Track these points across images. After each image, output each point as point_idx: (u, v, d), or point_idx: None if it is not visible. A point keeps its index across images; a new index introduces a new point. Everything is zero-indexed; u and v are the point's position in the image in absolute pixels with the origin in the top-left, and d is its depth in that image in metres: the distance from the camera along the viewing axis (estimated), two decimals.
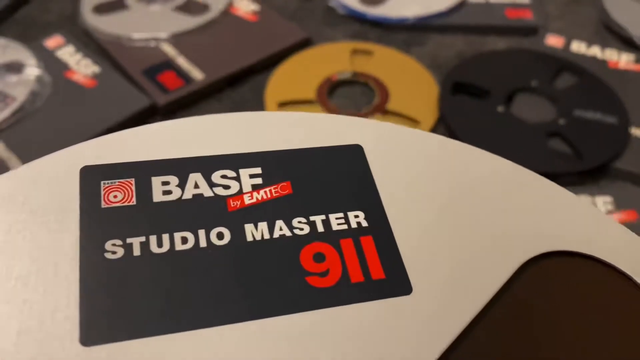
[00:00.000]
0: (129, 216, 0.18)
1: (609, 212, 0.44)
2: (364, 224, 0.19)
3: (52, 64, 0.53)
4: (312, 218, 0.19)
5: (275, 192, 0.20)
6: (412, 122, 0.50)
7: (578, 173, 0.46)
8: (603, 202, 0.45)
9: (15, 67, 0.51)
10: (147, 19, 0.58)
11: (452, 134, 0.49)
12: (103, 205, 0.19)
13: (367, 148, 0.22)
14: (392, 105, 0.51)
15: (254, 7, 0.61)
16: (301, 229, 0.19)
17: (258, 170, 0.20)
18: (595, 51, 0.58)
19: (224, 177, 0.20)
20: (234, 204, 0.19)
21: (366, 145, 0.22)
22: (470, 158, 0.22)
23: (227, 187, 0.20)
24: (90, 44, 0.56)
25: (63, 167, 0.19)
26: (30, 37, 0.57)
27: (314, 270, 0.18)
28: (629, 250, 0.20)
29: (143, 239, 0.18)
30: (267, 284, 0.17)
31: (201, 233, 0.18)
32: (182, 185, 0.20)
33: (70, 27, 0.58)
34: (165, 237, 0.18)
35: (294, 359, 0.16)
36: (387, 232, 0.19)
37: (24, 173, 0.19)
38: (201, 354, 0.16)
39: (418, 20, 0.60)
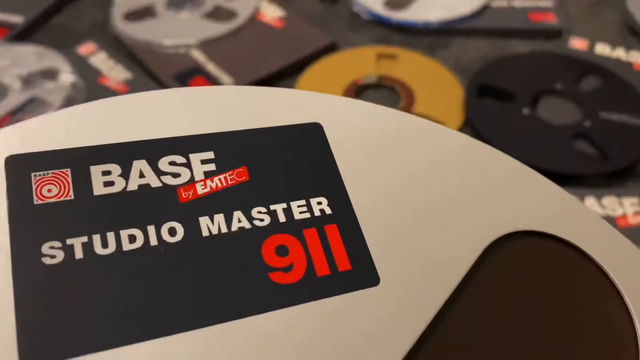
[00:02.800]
0: (67, 213, 0.16)
1: (636, 214, 0.44)
2: (328, 211, 0.18)
3: (85, 71, 0.54)
4: (272, 207, 0.18)
5: (231, 180, 0.18)
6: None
7: (604, 175, 0.47)
8: (630, 203, 0.45)
9: (51, 74, 0.53)
10: (176, 26, 0.59)
11: (478, 136, 0.49)
12: (36, 201, 0.16)
13: (327, 126, 0.20)
14: (417, 108, 0.52)
15: (280, 13, 0.62)
16: (261, 220, 0.17)
17: (210, 155, 0.18)
18: (620, 53, 0.58)
19: (172, 163, 0.18)
20: (185, 194, 0.17)
21: (325, 123, 0.20)
22: (436, 136, 0.20)
23: (176, 175, 0.18)
24: (122, 50, 0.58)
25: None
26: (64, 45, 0.58)
27: (277, 265, 0.16)
28: (593, 232, 0.19)
29: (85, 239, 0.16)
30: (227, 284, 0.16)
31: (151, 229, 0.16)
32: (125, 174, 0.17)
33: (102, 34, 0.60)
34: (111, 236, 0.16)
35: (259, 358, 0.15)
36: (352, 219, 0.18)
37: None
38: None
39: (442, 25, 0.61)
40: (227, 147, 0.19)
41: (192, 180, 0.18)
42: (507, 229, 0.19)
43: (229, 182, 0.18)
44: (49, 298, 0.15)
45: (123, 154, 0.17)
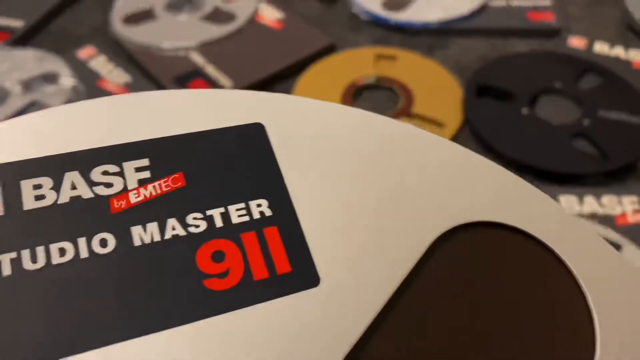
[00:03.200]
0: None
1: (635, 212, 0.44)
2: (268, 213, 0.18)
3: (85, 74, 0.54)
4: (209, 212, 0.17)
5: (166, 186, 0.18)
6: (438, 125, 0.51)
7: (604, 173, 0.47)
8: (629, 201, 0.45)
9: (51, 78, 0.53)
10: (175, 28, 0.59)
11: (477, 136, 0.50)
12: None
13: (269, 126, 0.19)
14: (417, 108, 0.52)
15: (279, 15, 0.62)
16: (197, 226, 0.17)
17: (145, 162, 0.18)
18: (619, 52, 0.58)
19: (105, 173, 0.17)
20: (118, 204, 0.17)
21: (268, 122, 0.19)
22: (380, 130, 0.20)
23: (109, 185, 0.17)
24: (121, 53, 0.58)
25: None
26: (64, 49, 0.59)
27: (212, 271, 0.16)
28: (549, 219, 0.19)
29: (14, 254, 0.15)
30: (160, 293, 0.16)
31: (81, 242, 0.16)
32: (57, 187, 0.17)
33: (101, 38, 0.60)
34: (40, 250, 0.16)
35: None
36: (293, 220, 0.18)
37: None
38: None
39: (440, 25, 0.61)
40: (163, 153, 0.18)
41: (124, 190, 0.17)
42: (455, 221, 0.18)
43: (164, 189, 0.18)
44: None
45: (55, 166, 0.17)
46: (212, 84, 0.53)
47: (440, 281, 0.17)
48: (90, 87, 0.53)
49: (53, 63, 0.55)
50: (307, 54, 0.57)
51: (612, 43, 0.59)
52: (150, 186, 0.17)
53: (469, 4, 0.63)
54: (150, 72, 0.55)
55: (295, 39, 0.59)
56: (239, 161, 0.19)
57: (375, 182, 0.19)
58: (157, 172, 0.18)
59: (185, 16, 0.61)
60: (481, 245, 0.18)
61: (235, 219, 0.17)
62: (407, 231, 0.18)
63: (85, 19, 0.63)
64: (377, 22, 0.63)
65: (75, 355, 0.14)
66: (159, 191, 0.17)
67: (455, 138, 0.50)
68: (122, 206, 0.17)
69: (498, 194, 0.19)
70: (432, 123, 0.51)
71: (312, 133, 0.20)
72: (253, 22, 0.61)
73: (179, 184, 0.18)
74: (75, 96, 0.52)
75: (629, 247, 0.41)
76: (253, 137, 0.19)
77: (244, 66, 0.56)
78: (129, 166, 0.18)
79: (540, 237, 0.18)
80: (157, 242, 0.16)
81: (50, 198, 0.17)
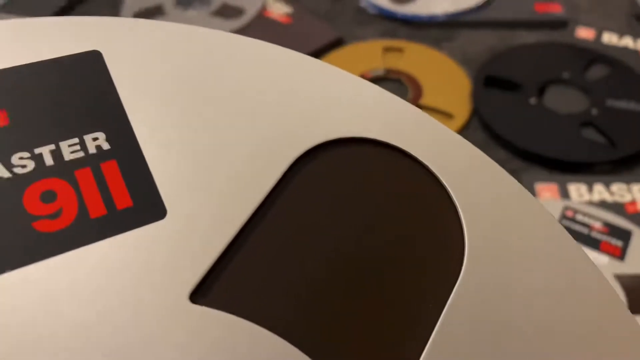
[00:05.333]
0: None
1: None
2: (105, 146, 0.16)
3: None
4: (37, 151, 0.16)
5: None
6: (447, 116, 0.51)
7: (612, 162, 0.47)
8: (639, 189, 0.45)
9: None
10: (185, 24, 0.60)
11: (486, 126, 0.50)
12: None
13: (108, 53, 0.18)
14: (425, 100, 0.52)
15: (287, 9, 0.62)
16: (23, 167, 0.16)
17: None
18: (627, 42, 0.58)
19: None
20: None
21: (106, 50, 0.18)
22: (226, 47, 0.19)
23: None
24: None
25: None
26: None
27: (42, 212, 0.15)
28: (418, 131, 0.18)
29: None
30: None
31: None
32: None
33: None
34: None
35: (31, 317, 0.14)
36: (135, 152, 0.16)
37: None
38: None
39: (448, 17, 0.61)
40: None
41: None
42: (318, 138, 0.17)
43: None
44: None
45: None
46: None
47: (301, 204, 0.16)
48: None
49: None
50: (315, 47, 0.58)
51: (621, 33, 0.59)
52: None
53: None
54: None
55: (303, 33, 0.60)
56: (74, 94, 0.17)
57: (224, 104, 0.17)
58: None
59: (194, 12, 0.61)
60: (344, 163, 0.17)
61: (67, 156, 0.16)
62: (263, 153, 0.17)
63: (96, 16, 0.64)
64: (384, 15, 0.63)
65: None
66: None
67: (464, 129, 0.51)
68: None
69: (358, 108, 0.18)
70: (441, 114, 0.51)
71: (151, 56, 0.18)
72: (261, 16, 0.61)
73: (2, 123, 0.16)
74: None
75: (639, 234, 0.41)
76: (90, 66, 0.17)
77: None
78: None
79: (404, 147, 0.17)
80: None
81: None
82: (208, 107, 0.17)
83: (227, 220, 0.16)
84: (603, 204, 0.43)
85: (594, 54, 0.56)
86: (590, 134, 0.49)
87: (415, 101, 0.52)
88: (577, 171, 0.47)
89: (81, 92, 0.17)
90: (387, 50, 0.58)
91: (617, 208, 0.43)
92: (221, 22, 0.60)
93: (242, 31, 0.59)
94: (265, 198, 0.16)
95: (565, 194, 0.44)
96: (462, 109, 0.51)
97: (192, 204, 0.16)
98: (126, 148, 0.16)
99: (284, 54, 0.19)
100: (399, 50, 0.58)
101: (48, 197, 0.15)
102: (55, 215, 0.15)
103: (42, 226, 0.15)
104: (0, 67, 0.17)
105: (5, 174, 0.15)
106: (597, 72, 0.55)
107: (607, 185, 0.45)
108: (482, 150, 0.49)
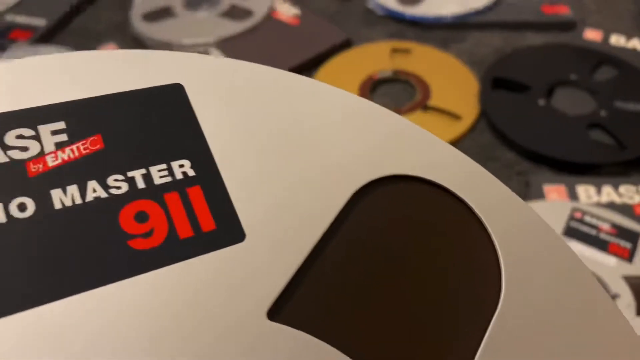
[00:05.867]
0: None
1: None
2: (191, 173, 0.18)
3: None
4: (130, 174, 0.17)
5: (85, 149, 0.17)
6: (454, 117, 0.51)
7: (621, 163, 0.47)
8: None
9: None
10: (194, 25, 0.60)
11: (494, 127, 0.50)
12: None
13: (189, 86, 0.19)
14: (433, 101, 0.53)
15: (295, 11, 0.63)
16: (118, 188, 0.17)
17: (61, 125, 0.17)
18: (635, 43, 0.58)
19: (20, 137, 0.17)
20: (35, 167, 0.17)
21: (188, 83, 0.19)
22: (301, 90, 0.20)
23: (24, 149, 0.17)
24: None
25: None
26: (85, 46, 0.60)
27: (136, 231, 0.16)
28: (461, 172, 0.19)
29: None
30: (85, 255, 0.15)
31: None
32: None
33: (121, 35, 0.61)
34: None
35: (126, 327, 0.15)
36: (216, 179, 0.18)
37: None
38: (25, 338, 0.14)
39: (455, 19, 0.61)
40: (79, 116, 0.18)
41: (41, 153, 0.17)
42: (373, 174, 0.19)
43: (82, 152, 0.17)
44: None
45: None
46: None
47: (360, 233, 0.18)
48: None
49: None
50: (324, 49, 0.58)
51: (629, 35, 0.59)
52: (68, 149, 0.17)
53: None
54: None
55: (311, 35, 0.60)
56: (160, 122, 0.18)
57: (292, 139, 0.19)
58: (75, 135, 0.17)
59: (203, 13, 0.62)
60: (396, 198, 0.19)
61: (157, 180, 0.17)
62: (326, 185, 0.18)
63: (106, 17, 0.65)
64: (392, 17, 0.63)
65: (7, 317, 0.14)
66: (77, 154, 0.17)
67: (472, 130, 0.51)
68: (40, 170, 0.17)
69: (408, 148, 0.20)
70: (449, 115, 0.52)
71: (230, 92, 0.19)
72: (270, 18, 0.62)
73: (98, 146, 0.17)
74: None
75: None
76: (173, 97, 0.19)
77: (262, 62, 0.56)
78: (44, 129, 0.17)
79: (452, 188, 0.19)
80: (79, 204, 0.16)
81: None
82: (276, 141, 0.19)
83: (299, 243, 0.17)
84: (611, 206, 0.43)
85: (602, 56, 0.56)
86: (598, 135, 0.49)
87: (423, 102, 0.53)
88: (585, 173, 0.47)
89: (166, 120, 0.18)
90: (395, 51, 0.58)
91: (625, 210, 0.43)
92: (230, 23, 0.60)
93: (251, 32, 0.60)
94: (330, 224, 0.18)
95: (573, 196, 0.44)
96: (470, 110, 0.52)
97: (267, 228, 0.17)
98: (208, 175, 0.18)
99: (347, 99, 0.20)
100: (407, 51, 0.58)
101: (141, 217, 0.16)
102: (147, 235, 0.16)
103: (136, 244, 0.16)
104: (94, 95, 0.18)
105: (103, 194, 0.16)
106: (605, 73, 0.55)
107: (615, 186, 0.45)
108: (489, 151, 0.49)
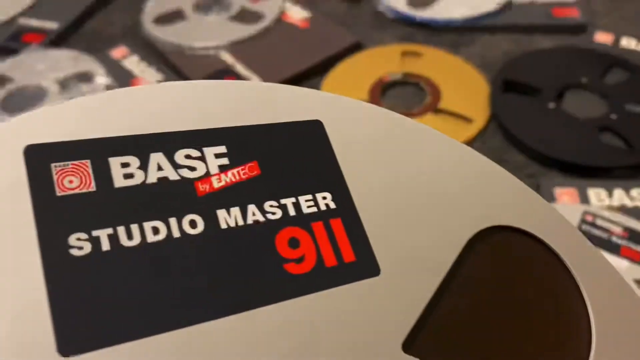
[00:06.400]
0: (90, 205, 0.16)
1: None
2: (332, 205, 0.19)
3: (119, 73, 0.56)
4: (283, 201, 0.18)
5: (244, 174, 0.18)
6: (465, 120, 0.51)
7: (632, 166, 0.47)
8: None
9: (86, 77, 0.55)
10: (205, 28, 0.61)
11: (505, 130, 0.50)
12: (58, 192, 0.16)
13: (327, 124, 0.20)
14: (443, 104, 0.53)
15: (305, 14, 0.63)
16: (273, 214, 0.18)
17: (223, 149, 0.18)
18: None
19: (188, 157, 0.18)
20: (203, 187, 0.17)
21: (325, 120, 0.20)
22: (426, 140, 0.22)
23: (192, 168, 0.18)
24: (153, 53, 0.59)
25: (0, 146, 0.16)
26: (97, 49, 0.60)
27: (290, 256, 0.17)
28: (556, 227, 0.21)
29: (110, 230, 0.16)
30: (247, 275, 0.16)
31: (172, 222, 0.16)
32: (144, 167, 0.17)
33: (133, 38, 0.62)
34: (135, 228, 0.16)
35: (278, 350, 0.16)
36: (354, 214, 0.19)
37: None
38: (186, 354, 0.15)
39: (465, 22, 0.61)
40: (238, 141, 0.19)
41: (207, 174, 0.18)
42: (485, 224, 0.20)
43: (242, 177, 0.18)
44: (81, 289, 0.15)
45: (140, 146, 0.17)
46: None
47: (475, 275, 0.19)
48: (124, 86, 0.55)
49: (87, 63, 0.56)
50: (334, 52, 0.58)
51: (639, 38, 0.59)
52: (229, 172, 0.18)
53: (494, 1, 0.63)
54: (181, 71, 0.56)
55: (321, 38, 0.60)
56: (303, 155, 0.19)
57: (418, 186, 0.20)
58: (234, 159, 0.18)
59: (214, 16, 0.62)
60: (502, 248, 0.20)
61: (305, 209, 0.18)
62: (447, 230, 0.20)
63: (117, 20, 0.65)
64: (402, 20, 0.63)
65: (168, 332, 0.15)
66: (237, 178, 0.18)
67: (483, 133, 0.51)
68: (207, 190, 0.17)
69: (512, 201, 0.21)
70: (459, 118, 0.52)
71: (365, 134, 0.21)
72: (280, 21, 0.62)
73: (255, 172, 0.18)
74: None
75: None
76: (313, 133, 0.20)
77: (273, 64, 0.57)
78: (209, 152, 0.18)
79: (552, 245, 0.21)
80: (241, 226, 0.17)
81: (138, 177, 0.17)
82: (405, 184, 0.20)
83: (426, 281, 0.18)
84: (623, 209, 0.43)
85: (613, 59, 0.56)
86: (609, 138, 0.49)
87: (434, 105, 0.53)
88: (596, 176, 0.47)
89: (308, 154, 0.19)
90: (405, 54, 0.59)
91: (637, 213, 0.43)
92: (240, 26, 0.61)
93: (261, 35, 0.60)
94: (452, 266, 0.19)
95: (584, 199, 0.44)
96: (480, 113, 0.52)
97: (398, 265, 0.18)
98: (347, 209, 0.19)
99: (467, 154, 0.22)
100: (417, 54, 0.58)
101: (294, 243, 0.18)
102: (300, 260, 0.17)
103: (291, 268, 0.17)
104: (249, 124, 0.19)
105: (261, 218, 0.18)
106: (615, 76, 0.55)
107: (626, 190, 0.45)
108: (500, 154, 0.49)
